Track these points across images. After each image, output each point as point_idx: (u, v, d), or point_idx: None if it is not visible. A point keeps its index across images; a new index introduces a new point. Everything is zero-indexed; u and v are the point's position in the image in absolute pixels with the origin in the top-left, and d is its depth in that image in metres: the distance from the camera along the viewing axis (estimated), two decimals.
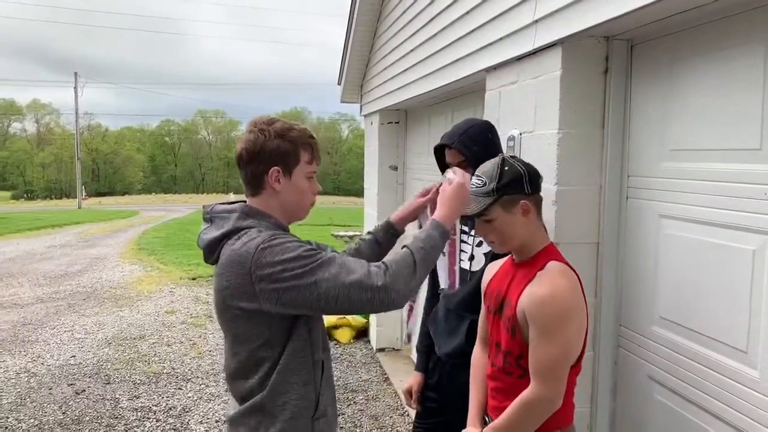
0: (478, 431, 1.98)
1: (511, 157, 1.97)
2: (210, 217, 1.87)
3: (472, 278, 2.48)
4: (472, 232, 2.54)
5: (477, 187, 1.92)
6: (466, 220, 1.97)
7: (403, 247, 1.80)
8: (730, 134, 1.90)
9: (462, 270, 2.56)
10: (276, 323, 1.75)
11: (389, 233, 2.19)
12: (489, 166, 1.94)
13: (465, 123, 2.54)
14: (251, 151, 1.82)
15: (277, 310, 1.71)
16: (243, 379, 1.82)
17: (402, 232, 2.21)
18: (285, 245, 1.70)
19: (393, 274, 1.69)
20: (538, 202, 1.95)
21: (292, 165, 1.84)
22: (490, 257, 2.42)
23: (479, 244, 2.49)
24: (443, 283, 2.26)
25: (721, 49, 1.93)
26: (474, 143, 2.45)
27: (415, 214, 2.21)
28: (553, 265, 1.88)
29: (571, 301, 1.83)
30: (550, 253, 1.94)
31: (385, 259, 1.76)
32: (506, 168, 1.90)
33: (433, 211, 1.95)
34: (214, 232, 1.81)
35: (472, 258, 2.50)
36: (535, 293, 1.83)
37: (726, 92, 1.91)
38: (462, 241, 2.59)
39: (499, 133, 2.85)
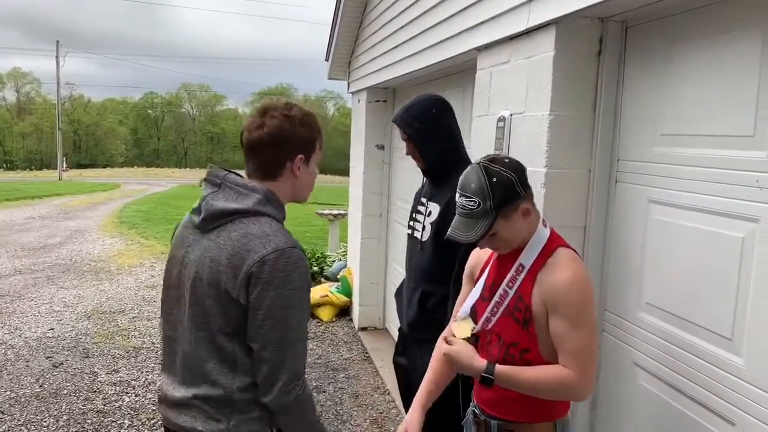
0: (416, 416, 1.99)
1: (490, 162, 1.81)
2: (220, 183, 1.78)
3: (423, 248, 2.53)
4: (429, 204, 2.56)
5: (471, 209, 1.78)
6: (469, 242, 1.86)
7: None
8: (723, 120, 1.88)
9: (414, 239, 2.62)
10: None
11: None
12: (475, 184, 1.78)
13: (413, 99, 2.63)
14: (276, 137, 1.76)
15: (244, 312, 1.70)
16: (199, 363, 1.77)
17: None
18: (300, 268, 1.70)
19: (305, 400, 1.74)
20: (532, 197, 1.87)
21: (312, 152, 1.84)
22: (436, 226, 2.46)
23: (429, 214, 2.53)
24: (463, 311, 2.07)
25: (717, 34, 1.90)
26: (415, 120, 2.55)
27: None
28: (562, 251, 1.82)
29: (589, 284, 1.80)
30: (554, 239, 1.87)
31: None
32: (494, 180, 1.77)
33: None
34: (228, 204, 1.74)
35: (423, 228, 2.54)
36: (556, 282, 1.76)
37: (721, 78, 1.88)
38: (418, 212, 2.63)
39: (490, 114, 2.83)
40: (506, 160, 1.84)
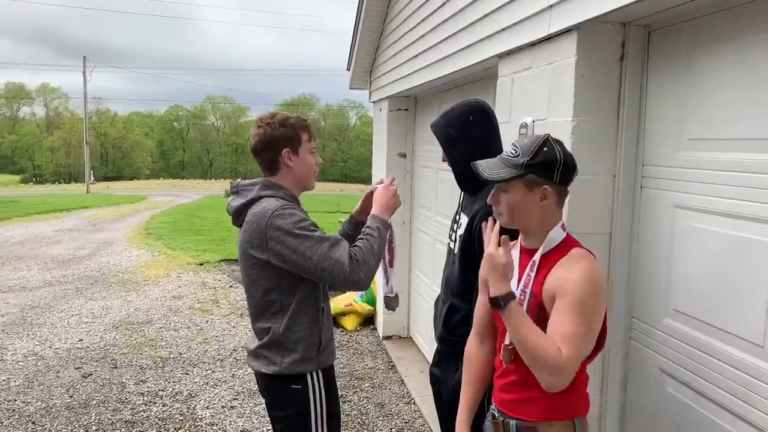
0: None
1: (555, 140, 1.88)
2: (237, 189, 2.40)
3: (455, 261, 2.49)
4: (461, 216, 2.52)
5: (509, 156, 1.87)
6: (484, 179, 1.90)
7: (361, 238, 2.31)
8: (750, 124, 1.85)
9: (450, 250, 2.59)
10: (287, 275, 2.25)
11: (353, 225, 2.63)
12: (528, 141, 1.88)
13: (455, 104, 2.51)
14: (264, 142, 2.34)
15: (283, 267, 2.22)
16: (260, 319, 2.35)
17: (364, 222, 2.49)
18: (294, 216, 2.21)
19: (361, 261, 2.21)
20: (561, 194, 1.90)
21: (297, 144, 2.37)
22: (464, 239, 2.41)
23: (460, 226, 2.49)
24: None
25: (742, 36, 1.88)
26: (450, 126, 2.45)
27: (370, 203, 2.55)
28: (577, 250, 1.84)
29: (601, 283, 1.78)
30: (570, 243, 1.89)
31: (354, 249, 2.24)
32: (544, 149, 1.84)
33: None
34: (240, 200, 2.34)
35: (455, 240, 2.51)
36: (568, 274, 1.76)
37: (747, 80, 1.86)
38: (455, 222, 2.59)
39: (512, 120, 2.82)
40: (568, 150, 1.90)
